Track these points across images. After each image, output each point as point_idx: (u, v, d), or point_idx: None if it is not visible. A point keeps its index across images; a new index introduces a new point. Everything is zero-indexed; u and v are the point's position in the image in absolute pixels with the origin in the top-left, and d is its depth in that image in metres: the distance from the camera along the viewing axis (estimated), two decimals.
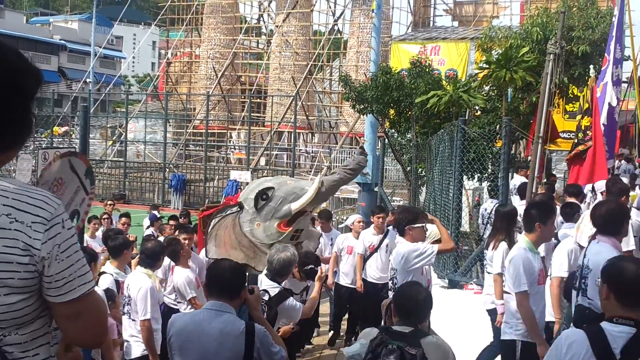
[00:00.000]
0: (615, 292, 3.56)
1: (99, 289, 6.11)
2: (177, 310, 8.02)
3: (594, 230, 5.91)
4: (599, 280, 3.99)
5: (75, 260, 2.14)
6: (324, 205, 13.97)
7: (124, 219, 12.81)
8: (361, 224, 10.88)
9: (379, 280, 10.00)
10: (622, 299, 3.54)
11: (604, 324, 3.55)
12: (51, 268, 2.08)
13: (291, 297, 6.17)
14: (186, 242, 8.64)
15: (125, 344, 7.15)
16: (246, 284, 4.73)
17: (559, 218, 8.60)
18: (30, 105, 2.17)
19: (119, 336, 7.11)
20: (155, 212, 16.93)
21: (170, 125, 39.84)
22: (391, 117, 18.84)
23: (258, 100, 44.41)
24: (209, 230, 7.52)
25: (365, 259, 10.27)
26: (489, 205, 13.20)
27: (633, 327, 3.46)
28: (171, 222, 12.27)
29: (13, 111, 2.10)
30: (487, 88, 15.81)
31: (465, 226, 13.73)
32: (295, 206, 7.20)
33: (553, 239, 7.81)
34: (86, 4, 54.29)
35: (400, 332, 4.30)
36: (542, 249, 7.07)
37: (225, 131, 41.31)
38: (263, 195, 7.25)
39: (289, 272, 6.44)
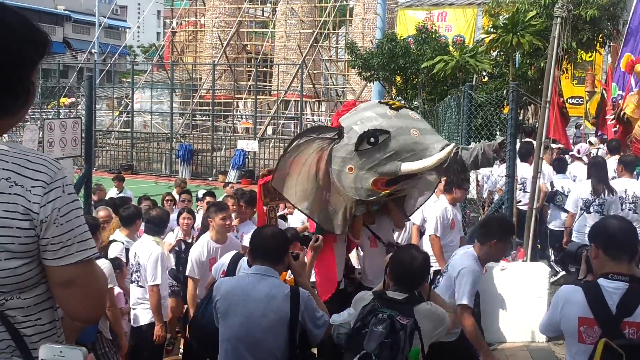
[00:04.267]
0: (603, 247, 3.71)
1: (105, 262, 6.07)
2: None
3: None
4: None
5: (76, 225, 2.12)
6: None
7: (184, 195, 11.67)
8: None
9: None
10: (609, 251, 3.68)
11: (600, 280, 3.66)
12: (48, 231, 2.06)
13: None
14: (186, 221, 8.41)
15: (133, 311, 7.17)
16: (290, 251, 4.74)
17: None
18: (29, 74, 2.14)
19: (125, 304, 7.14)
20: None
21: (176, 95, 39.71)
22: (398, 84, 18.76)
23: (264, 69, 44.21)
24: (287, 151, 5.94)
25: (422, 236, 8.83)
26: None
27: (627, 283, 3.58)
28: (208, 199, 11.11)
29: (9, 79, 2.07)
30: (494, 53, 15.68)
31: (472, 192, 13.68)
32: (406, 167, 5.60)
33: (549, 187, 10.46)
34: None
35: (393, 300, 4.25)
36: None
37: (232, 100, 41.19)
38: (371, 138, 5.55)
39: None
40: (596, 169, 9.35)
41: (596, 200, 9.15)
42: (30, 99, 2.18)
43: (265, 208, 6.93)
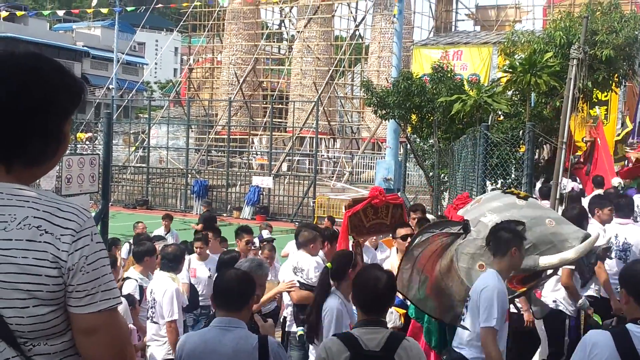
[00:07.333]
0: (633, 293, 3.65)
1: (122, 299, 6.08)
2: None
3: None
4: None
5: (102, 274, 2.13)
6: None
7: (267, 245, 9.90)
8: None
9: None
10: (639, 298, 3.61)
11: (629, 326, 3.59)
12: (75, 278, 2.07)
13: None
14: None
15: (148, 348, 7.16)
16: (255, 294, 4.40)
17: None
18: (61, 122, 2.16)
19: (139, 341, 7.13)
20: (266, 231, 14.09)
21: (192, 131, 40.00)
22: (413, 122, 18.80)
23: (280, 105, 44.50)
24: (410, 249, 5.35)
25: None
26: None
27: None
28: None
29: (39, 126, 2.09)
30: (510, 93, 15.72)
31: None
32: (545, 262, 5.06)
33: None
34: (109, 9, 54.68)
35: (370, 356, 3.87)
36: None
37: (247, 137, 41.44)
38: None
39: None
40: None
41: None
42: (62, 148, 2.19)
43: (351, 242, 6.69)
